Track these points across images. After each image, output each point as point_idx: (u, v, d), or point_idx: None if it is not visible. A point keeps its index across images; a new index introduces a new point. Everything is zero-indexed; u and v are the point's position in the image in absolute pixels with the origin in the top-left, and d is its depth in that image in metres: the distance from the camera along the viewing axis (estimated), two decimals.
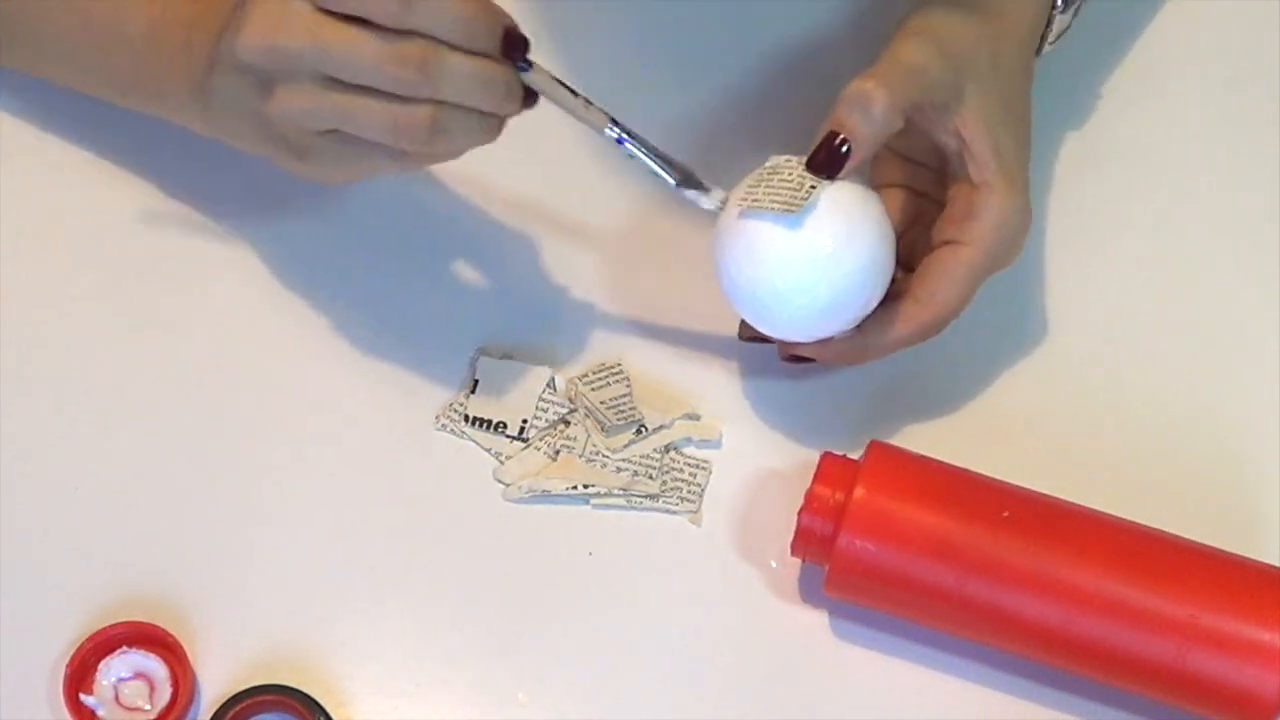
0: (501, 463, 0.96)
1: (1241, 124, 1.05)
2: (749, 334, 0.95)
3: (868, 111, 0.90)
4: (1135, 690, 0.90)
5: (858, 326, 0.92)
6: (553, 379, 0.97)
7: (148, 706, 0.90)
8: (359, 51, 0.85)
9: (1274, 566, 0.90)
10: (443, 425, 0.96)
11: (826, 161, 0.90)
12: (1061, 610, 0.88)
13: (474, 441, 0.96)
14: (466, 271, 1.00)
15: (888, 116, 0.90)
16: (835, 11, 1.06)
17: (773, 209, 0.89)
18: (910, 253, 0.94)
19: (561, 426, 0.96)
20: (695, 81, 1.04)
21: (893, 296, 0.93)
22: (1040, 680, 0.92)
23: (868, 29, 1.03)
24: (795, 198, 0.89)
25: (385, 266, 0.99)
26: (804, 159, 0.90)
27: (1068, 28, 0.98)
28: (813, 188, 0.89)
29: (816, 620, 0.93)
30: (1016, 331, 0.99)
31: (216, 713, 0.90)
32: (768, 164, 0.91)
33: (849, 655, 0.93)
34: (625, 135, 0.90)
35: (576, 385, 0.97)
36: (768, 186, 0.90)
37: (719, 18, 1.06)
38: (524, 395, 0.97)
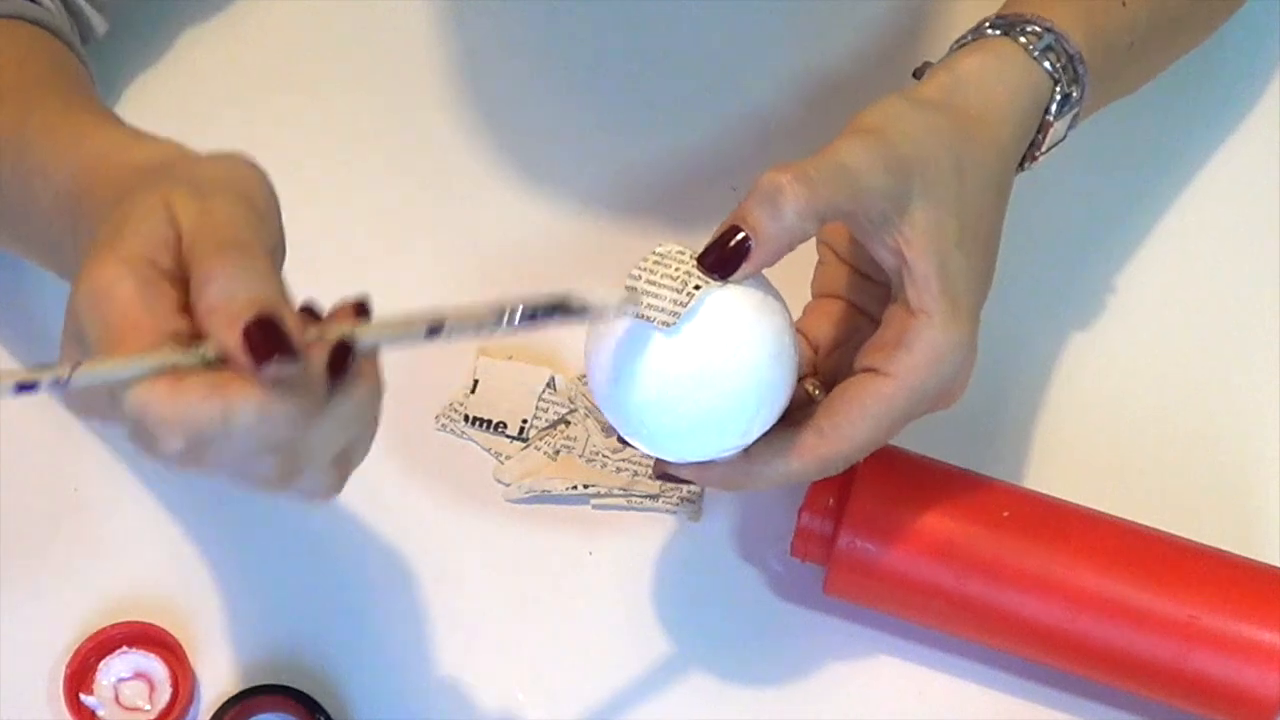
0: (501, 463, 0.96)
1: (1243, 130, 1.05)
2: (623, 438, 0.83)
3: (777, 209, 0.77)
4: (1135, 690, 0.90)
5: (746, 451, 0.81)
6: (553, 379, 0.97)
7: (148, 706, 0.90)
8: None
9: (1274, 566, 0.90)
10: (443, 425, 0.96)
11: (720, 260, 0.78)
12: (1061, 610, 0.88)
13: (474, 441, 0.96)
14: (466, 271, 1.00)
15: (799, 219, 0.77)
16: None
17: (647, 312, 0.78)
18: (836, 375, 0.84)
19: (561, 426, 0.96)
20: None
21: (796, 421, 0.82)
22: (1040, 680, 0.92)
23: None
24: (676, 300, 0.77)
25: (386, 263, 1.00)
26: (698, 251, 0.79)
27: (1063, 138, 0.88)
28: (697, 288, 0.77)
29: (816, 620, 0.93)
30: (1016, 332, 0.99)
31: (216, 713, 0.90)
32: (658, 249, 0.79)
33: (849, 655, 0.93)
34: (512, 318, 0.73)
35: (576, 385, 0.97)
36: (649, 280, 0.78)
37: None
38: (524, 395, 0.97)
